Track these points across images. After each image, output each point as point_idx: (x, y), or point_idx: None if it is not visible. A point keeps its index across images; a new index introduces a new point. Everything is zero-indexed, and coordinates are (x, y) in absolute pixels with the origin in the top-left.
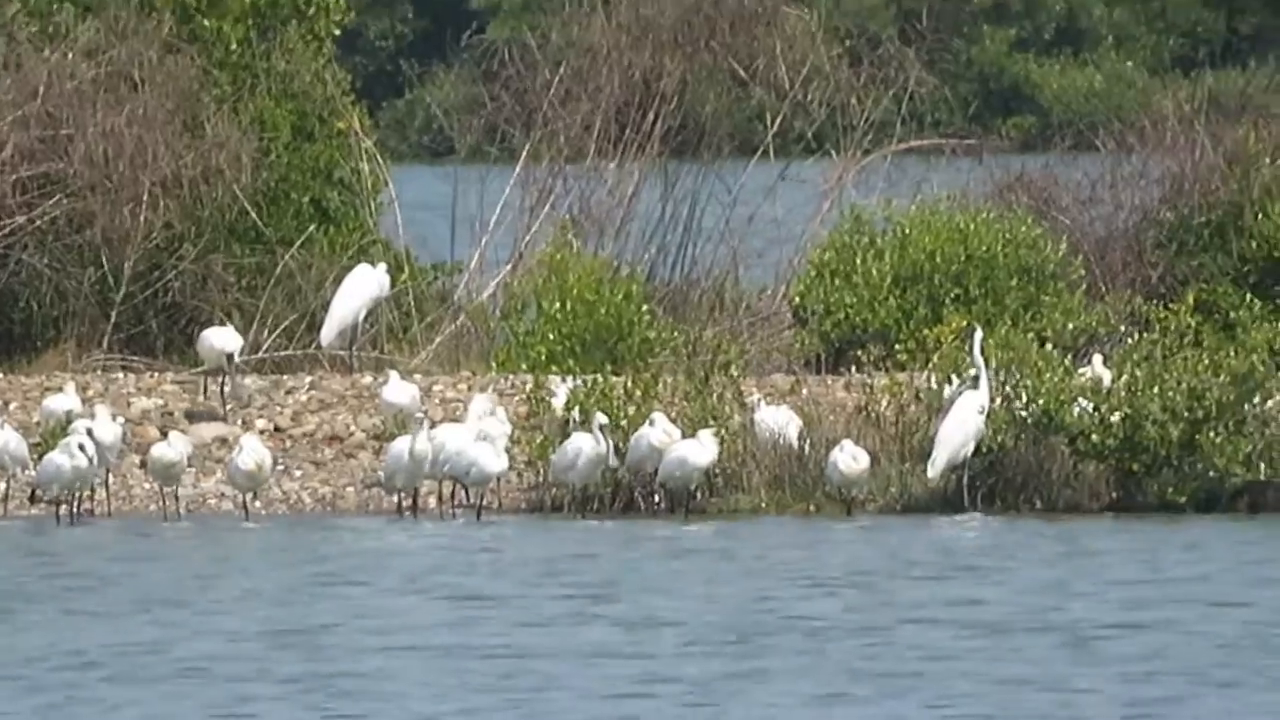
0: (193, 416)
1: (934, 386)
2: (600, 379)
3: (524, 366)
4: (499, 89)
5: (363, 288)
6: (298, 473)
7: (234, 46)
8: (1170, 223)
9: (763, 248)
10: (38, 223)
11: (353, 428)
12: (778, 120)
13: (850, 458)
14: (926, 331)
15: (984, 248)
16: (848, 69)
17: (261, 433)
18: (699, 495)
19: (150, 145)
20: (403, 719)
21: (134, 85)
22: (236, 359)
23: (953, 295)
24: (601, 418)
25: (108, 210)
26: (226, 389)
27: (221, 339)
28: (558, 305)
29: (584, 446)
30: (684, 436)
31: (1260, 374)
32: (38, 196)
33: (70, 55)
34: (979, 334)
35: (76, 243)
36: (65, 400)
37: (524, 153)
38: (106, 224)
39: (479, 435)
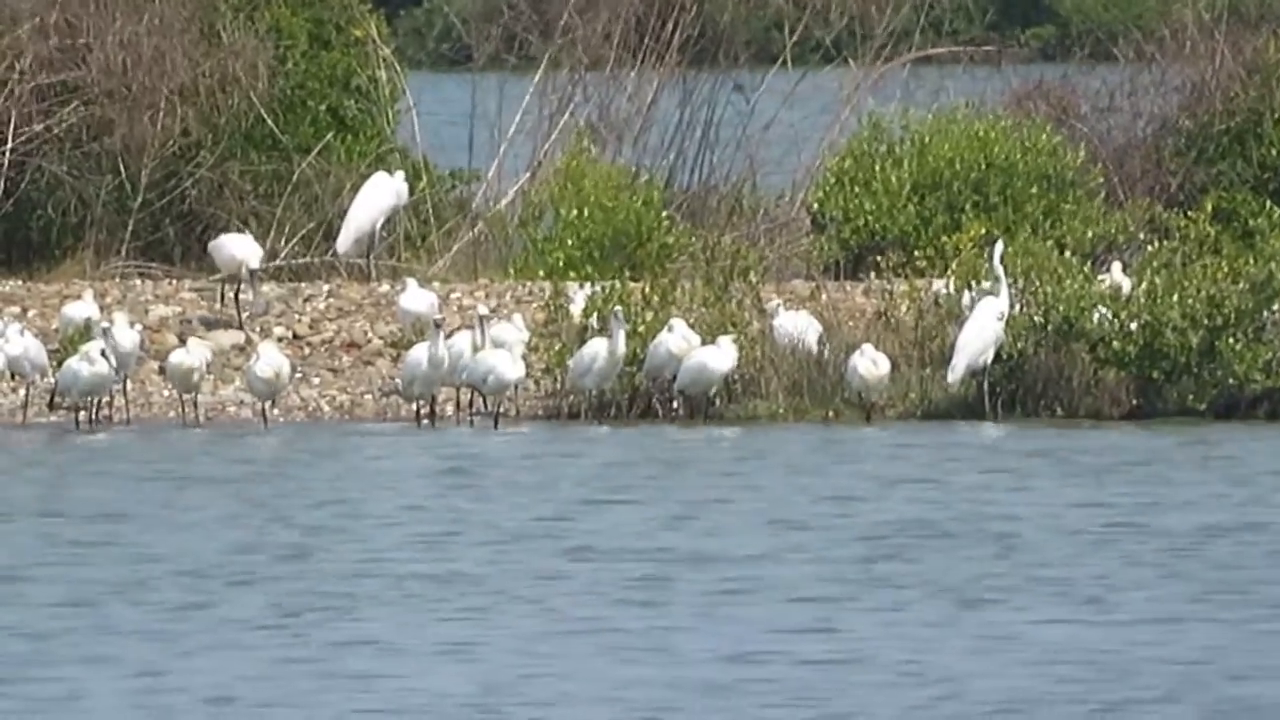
0: (210, 324)
1: (953, 293)
2: (618, 285)
3: (542, 273)
4: None
5: (380, 196)
6: (316, 380)
7: None
8: (1189, 131)
9: (780, 155)
10: (55, 131)
11: (370, 335)
12: (797, 29)
13: (870, 362)
14: (945, 239)
15: (1003, 155)
16: None
17: (279, 340)
18: (717, 401)
19: (168, 53)
20: None
21: None
22: (255, 268)
23: (972, 202)
24: (618, 310)
25: (125, 118)
26: (244, 297)
27: (239, 248)
28: (576, 212)
29: (600, 350)
30: (703, 342)
31: (1279, 281)
32: (56, 104)
33: None
34: (1000, 245)
35: (94, 150)
36: (84, 307)
37: (543, 61)
38: (124, 132)
39: (494, 343)
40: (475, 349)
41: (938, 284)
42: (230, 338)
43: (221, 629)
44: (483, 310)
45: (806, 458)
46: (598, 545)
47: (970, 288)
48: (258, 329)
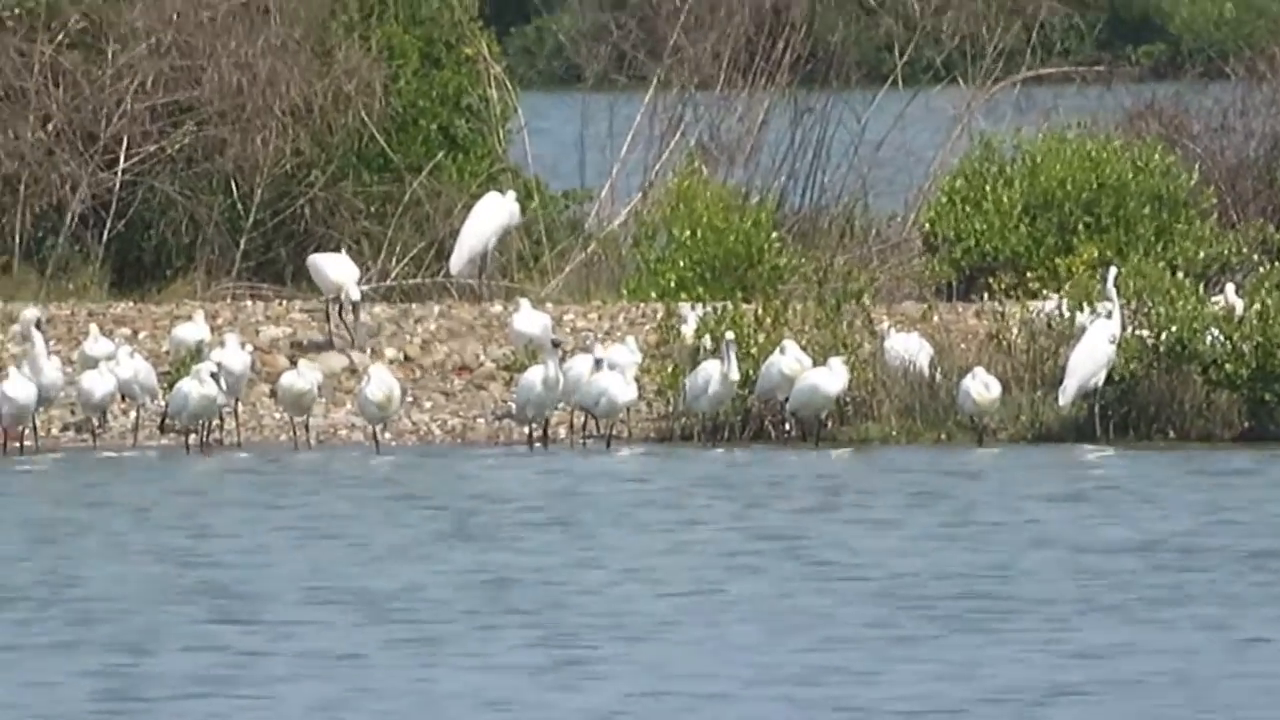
0: (321, 346)
1: (1065, 315)
2: (730, 306)
3: (654, 294)
4: (627, 16)
5: (493, 216)
6: (427, 404)
7: None
8: None
9: (892, 175)
10: (169, 151)
11: (482, 357)
12: (907, 49)
13: (982, 385)
14: (1058, 260)
15: (1115, 176)
16: None
17: (391, 362)
18: (829, 423)
19: (282, 73)
20: None
21: (265, 12)
22: (354, 292)
23: (1084, 223)
24: (730, 335)
25: (239, 138)
26: (349, 320)
27: (334, 269)
28: (688, 233)
29: (714, 373)
30: (814, 364)
31: None
32: (169, 125)
33: None
34: (1114, 270)
35: (207, 170)
36: (194, 329)
37: (653, 81)
38: (237, 152)
39: (608, 365)
40: (547, 383)
41: (1049, 305)
42: (341, 360)
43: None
44: (553, 337)
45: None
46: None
47: (1082, 310)
48: (367, 351)
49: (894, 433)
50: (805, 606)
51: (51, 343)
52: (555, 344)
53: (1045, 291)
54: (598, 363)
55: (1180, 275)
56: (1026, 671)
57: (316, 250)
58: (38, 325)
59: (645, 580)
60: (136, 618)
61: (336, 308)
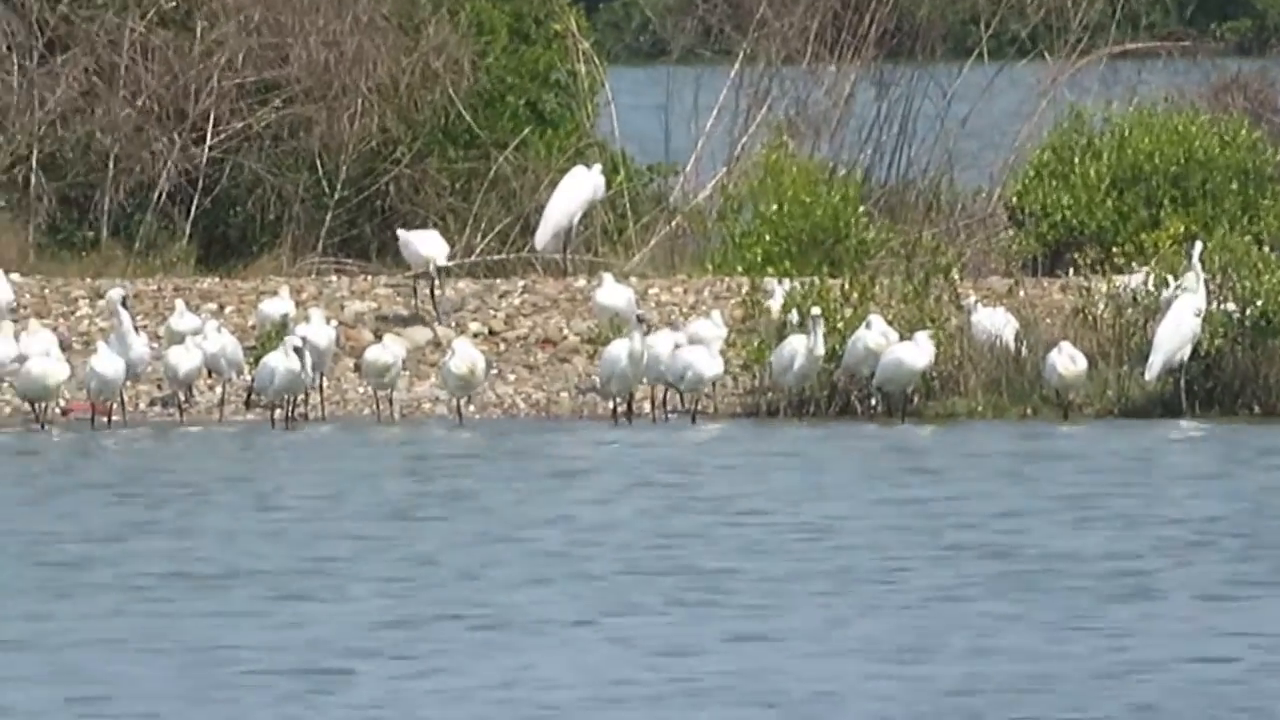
0: (406, 320)
1: (1151, 289)
2: (817, 281)
3: (740, 269)
4: None
5: (578, 190)
6: (511, 377)
7: None
8: None
9: (977, 150)
10: (255, 128)
11: (566, 331)
12: (993, 23)
13: (1068, 360)
14: (1144, 235)
15: (1203, 150)
16: None
17: (475, 336)
18: (915, 399)
19: (369, 51)
20: None
21: None
22: (442, 265)
23: (1171, 197)
24: (816, 311)
25: (325, 116)
26: (436, 294)
27: (424, 244)
28: (774, 207)
29: (800, 348)
30: (900, 339)
31: None
32: (257, 102)
33: None
34: (1199, 245)
35: (293, 148)
36: (280, 304)
37: (740, 54)
38: (324, 129)
39: (691, 339)
40: (632, 357)
41: (1135, 279)
42: (425, 334)
43: None
44: (638, 312)
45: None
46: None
47: (1168, 284)
48: (452, 325)
49: (979, 408)
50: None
51: (138, 318)
52: (640, 319)
53: (1132, 265)
54: (677, 349)
55: (1266, 249)
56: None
57: (402, 226)
58: (123, 303)
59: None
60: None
61: (426, 282)
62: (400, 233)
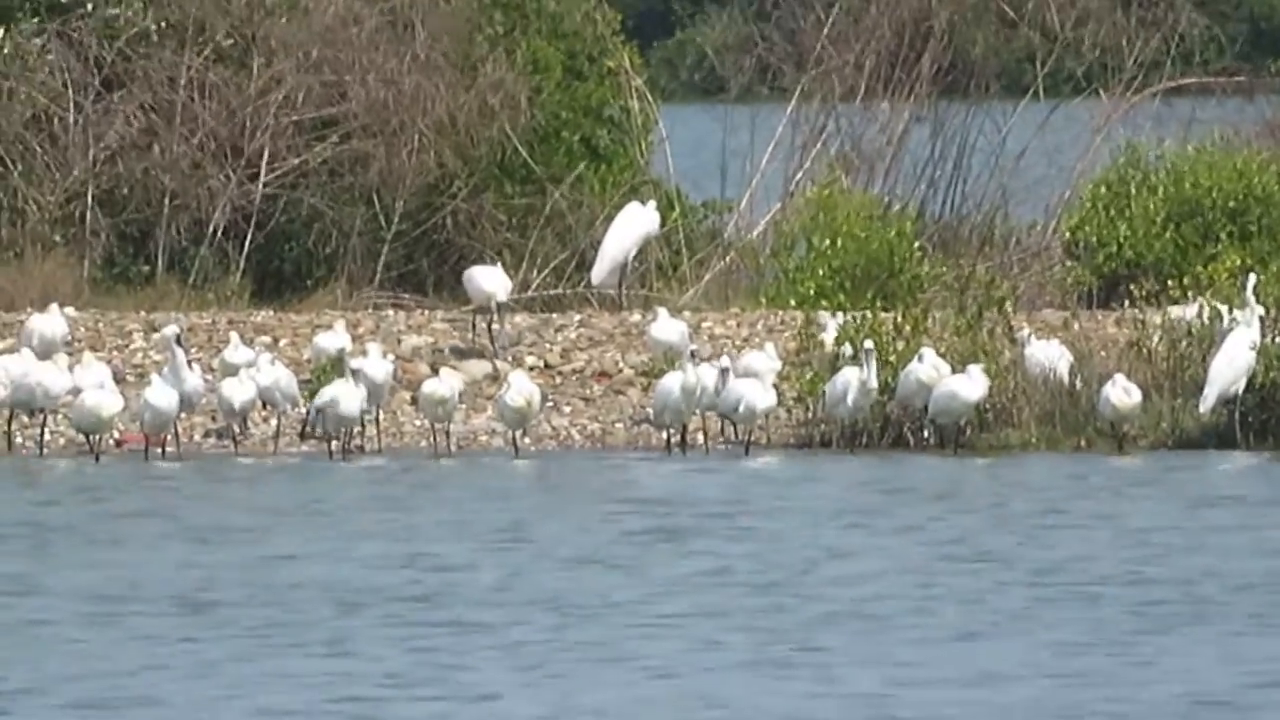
0: (463, 354)
1: (1206, 322)
2: (870, 314)
3: (793, 302)
4: (771, 28)
5: (634, 226)
6: (567, 409)
7: None
8: None
9: (1031, 184)
10: (312, 164)
11: (621, 364)
12: (1048, 61)
13: (1122, 392)
14: (1200, 268)
15: (1261, 185)
16: (1118, 10)
17: (531, 370)
18: (968, 431)
19: (427, 88)
20: None
21: (410, 28)
22: (502, 300)
23: (1227, 231)
24: (869, 344)
25: (383, 152)
26: (494, 328)
27: (488, 280)
28: (828, 242)
29: (854, 380)
30: (954, 372)
31: None
32: (314, 138)
33: None
34: (1254, 277)
35: (349, 183)
36: (335, 338)
37: (796, 92)
38: (382, 166)
39: (744, 371)
40: (685, 388)
41: (1189, 311)
42: (482, 368)
43: None
44: (692, 347)
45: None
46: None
47: (1222, 317)
48: (509, 359)
49: (1034, 439)
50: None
51: (193, 350)
52: (694, 353)
53: (1187, 298)
54: (723, 372)
55: None
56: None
57: (459, 261)
58: (177, 340)
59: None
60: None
61: (486, 318)
62: (468, 270)
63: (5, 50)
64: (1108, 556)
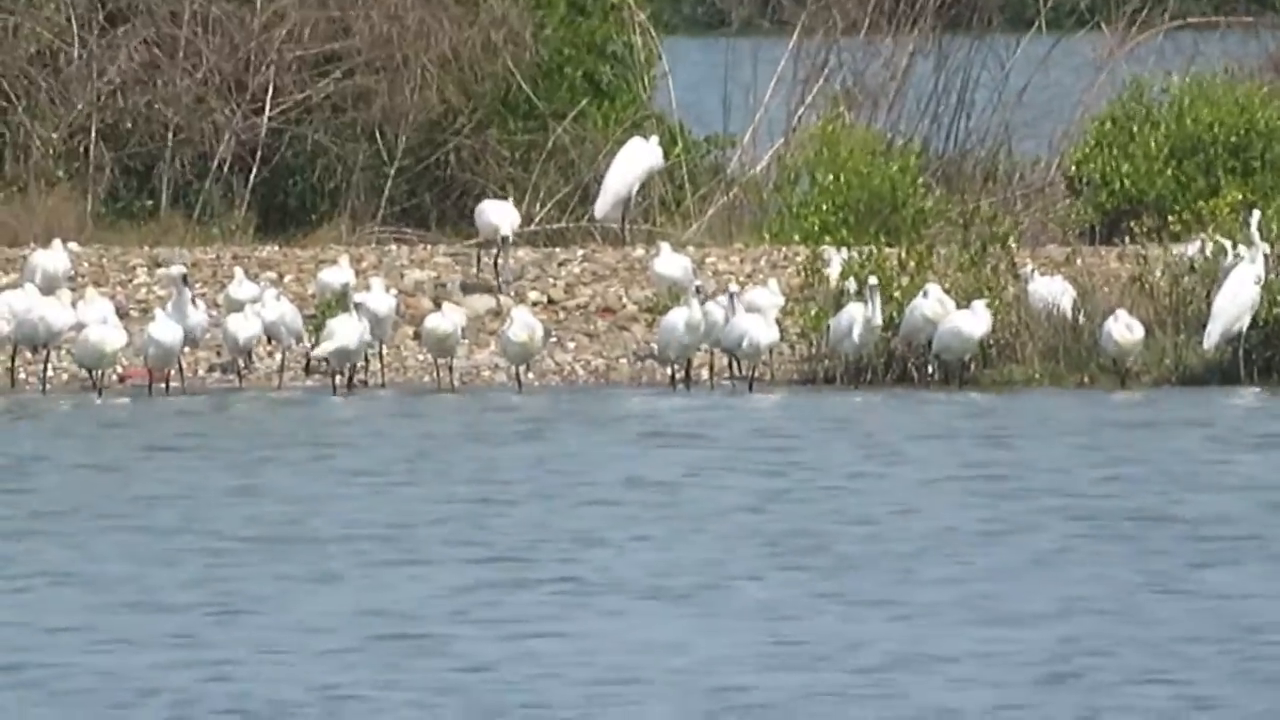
0: (466, 288)
1: (1209, 257)
2: (874, 250)
3: (797, 238)
4: None
5: (636, 160)
6: (570, 344)
7: None
8: None
9: (1035, 120)
10: (315, 100)
11: (625, 300)
12: None
13: (1125, 328)
14: (1202, 204)
15: (1263, 120)
16: None
17: (534, 305)
18: (973, 367)
19: (431, 23)
20: None
21: None
22: (509, 235)
23: (1230, 167)
24: (874, 280)
25: (386, 87)
26: (500, 263)
27: (497, 214)
28: (831, 177)
29: (858, 317)
30: (958, 307)
31: None
32: (317, 74)
33: None
34: (1257, 214)
35: (353, 118)
36: (339, 273)
37: (798, 26)
38: (385, 102)
39: (746, 307)
40: (689, 324)
41: (1192, 248)
42: (485, 303)
43: None
44: (696, 283)
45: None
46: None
47: (1225, 253)
48: (512, 294)
49: (1037, 375)
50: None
51: (197, 285)
52: (698, 289)
53: (1190, 234)
54: (731, 298)
55: None
56: None
57: (461, 196)
58: (184, 280)
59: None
60: None
61: (491, 251)
62: (479, 204)
63: None
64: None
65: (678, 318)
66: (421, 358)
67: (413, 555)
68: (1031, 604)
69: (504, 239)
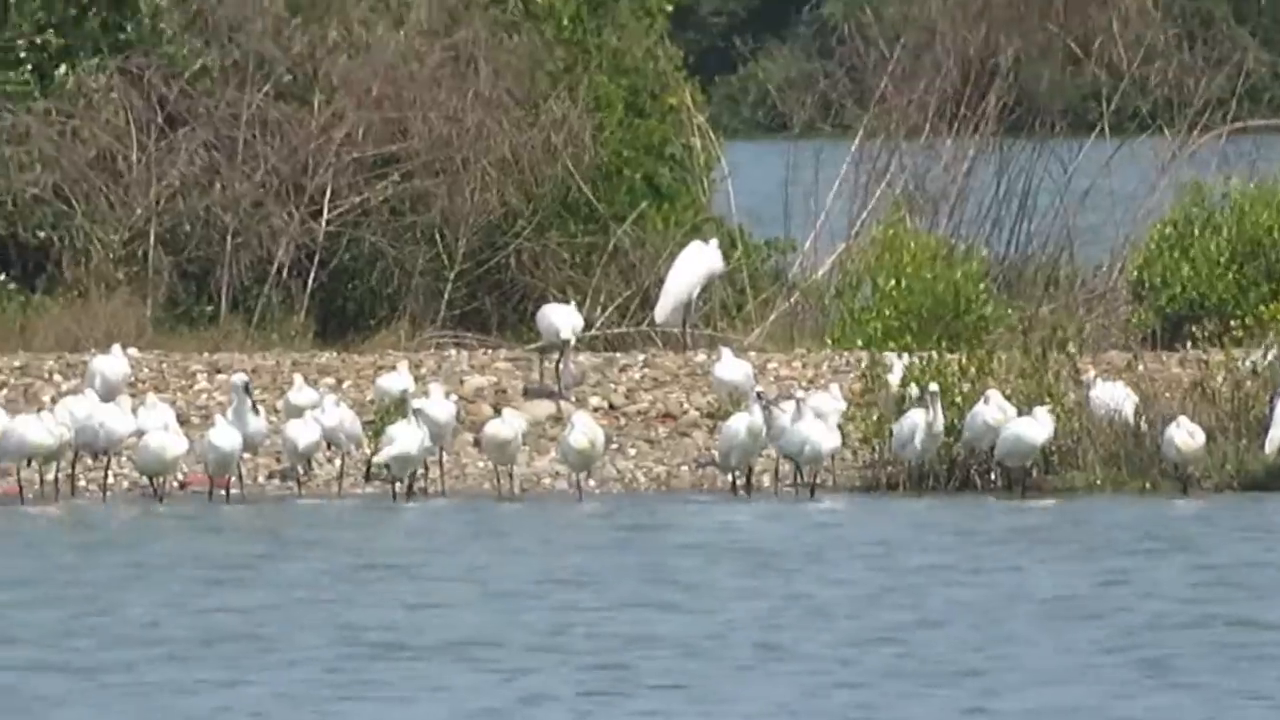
0: (527, 394)
1: (1270, 362)
2: (936, 355)
3: (859, 343)
4: (834, 65)
5: (697, 265)
6: (631, 451)
7: (566, 23)
8: None
9: (1097, 224)
10: (373, 202)
11: (686, 406)
12: (1114, 98)
13: (1186, 434)
14: (1263, 308)
15: None
16: (1185, 47)
17: (595, 410)
18: (1034, 472)
19: (490, 125)
20: None
21: (472, 64)
22: (571, 339)
23: None
24: (934, 387)
25: (445, 190)
26: (561, 367)
27: (560, 317)
28: (893, 282)
29: (920, 423)
30: (1019, 414)
31: None
32: (375, 176)
33: (409, 36)
34: None
35: (412, 222)
36: (398, 379)
37: (860, 129)
38: (444, 204)
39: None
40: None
41: (1254, 354)
42: (546, 408)
43: None
44: (758, 390)
45: None
46: None
47: None
48: (573, 400)
49: (1099, 481)
50: None
51: (256, 391)
52: (759, 396)
53: (1251, 339)
54: (799, 404)
55: None
56: None
57: (522, 300)
58: (246, 389)
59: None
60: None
61: (551, 356)
62: (541, 309)
63: (69, 88)
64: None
65: (739, 423)
66: (481, 464)
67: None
68: None
69: (565, 343)
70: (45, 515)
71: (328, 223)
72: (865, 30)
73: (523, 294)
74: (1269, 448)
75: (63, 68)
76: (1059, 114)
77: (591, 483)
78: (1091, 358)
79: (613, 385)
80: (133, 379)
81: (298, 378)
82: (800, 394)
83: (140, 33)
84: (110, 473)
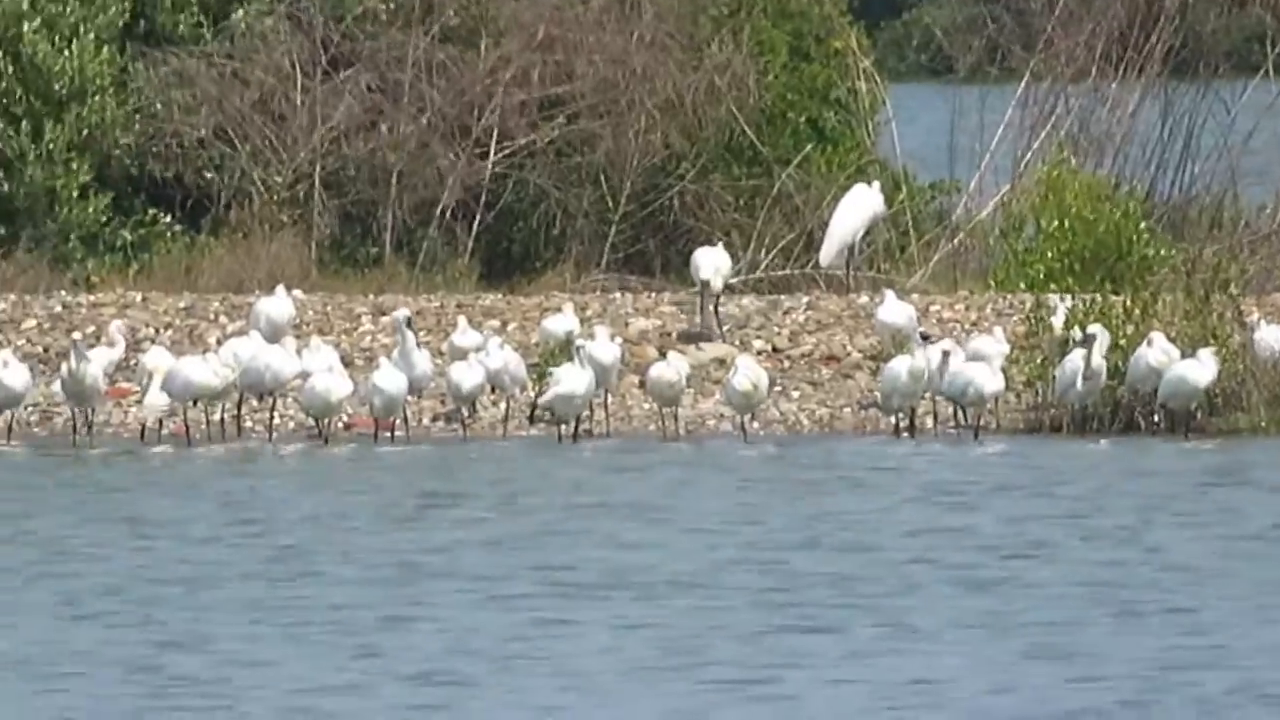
0: (690, 337)
1: None
2: (1099, 298)
3: (1022, 285)
4: (1000, 9)
5: (861, 207)
6: (795, 393)
7: None
8: None
9: (1262, 166)
10: (540, 143)
11: (849, 348)
12: (1278, 40)
13: None
14: None
15: None
16: None
17: (759, 353)
18: (1198, 415)
19: (654, 68)
20: None
21: (637, 8)
22: (714, 282)
23: None
24: (1095, 328)
25: (610, 132)
26: (707, 310)
27: (703, 259)
28: (1057, 224)
29: (1083, 364)
30: (1183, 356)
31: None
32: (541, 118)
33: None
34: None
35: (577, 163)
36: (563, 321)
37: (1025, 72)
38: (609, 146)
39: (971, 355)
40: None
41: None
42: (711, 351)
43: None
44: (921, 330)
45: None
46: None
47: None
48: (737, 342)
49: (1263, 423)
50: None
51: (421, 334)
52: (924, 336)
53: None
54: (945, 355)
55: None
56: None
57: (686, 243)
58: (408, 324)
59: None
60: None
61: (713, 299)
62: (694, 253)
63: (241, 30)
64: None
65: (901, 366)
66: (647, 406)
67: None
68: None
69: (705, 283)
70: (210, 454)
71: (493, 164)
72: None
73: (687, 237)
74: None
75: (239, 10)
76: (1223, 56)
77: (755, 425)
78: (1256, 299)
79: (776, 328)
80: (297, 321)
81: (462, 320)
82: (950, 342)
83: None
84: (275, 414)
